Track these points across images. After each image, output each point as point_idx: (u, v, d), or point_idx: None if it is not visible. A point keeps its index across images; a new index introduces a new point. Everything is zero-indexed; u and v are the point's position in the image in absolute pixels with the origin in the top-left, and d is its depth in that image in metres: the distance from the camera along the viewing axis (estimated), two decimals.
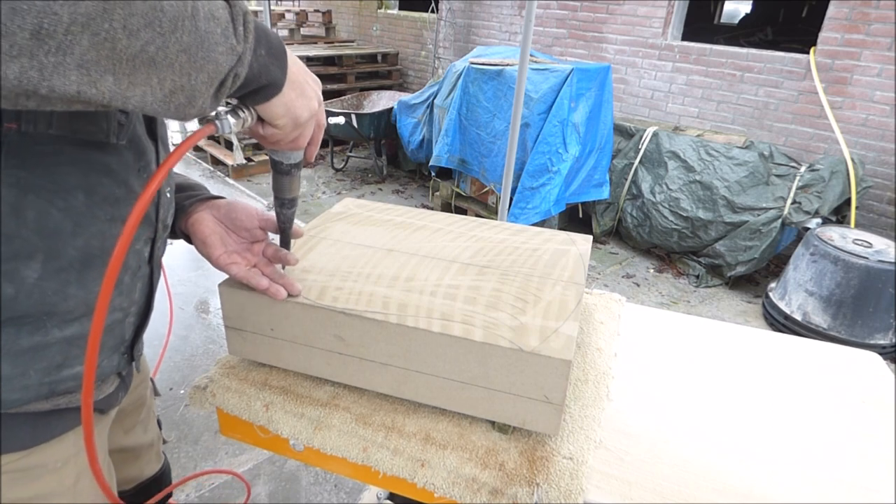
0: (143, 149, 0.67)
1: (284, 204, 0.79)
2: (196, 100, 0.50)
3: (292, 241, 0.86)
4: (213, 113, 0.57)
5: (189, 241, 0.84)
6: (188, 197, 0.84)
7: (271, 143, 0.66)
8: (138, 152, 0.66)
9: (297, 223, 0.85)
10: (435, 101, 4.19)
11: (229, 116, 0.58)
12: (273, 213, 0.83)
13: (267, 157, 0.80)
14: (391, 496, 1.48)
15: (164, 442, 1.10)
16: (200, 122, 0.59)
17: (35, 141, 0.54)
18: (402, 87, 6.28)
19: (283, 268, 0.86)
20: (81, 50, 0.39)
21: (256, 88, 0.57)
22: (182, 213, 0.83)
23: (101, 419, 0.77)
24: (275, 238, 0.86)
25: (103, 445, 0.81)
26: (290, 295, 0.82)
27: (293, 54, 0.62)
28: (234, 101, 0.60)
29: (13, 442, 0.63)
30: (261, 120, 0.62)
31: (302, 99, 0.61)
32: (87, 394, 0.53)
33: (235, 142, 0.67)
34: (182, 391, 2.29)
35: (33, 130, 0.54)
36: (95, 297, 0.55)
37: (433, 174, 4.29)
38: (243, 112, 0.60)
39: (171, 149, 0.65)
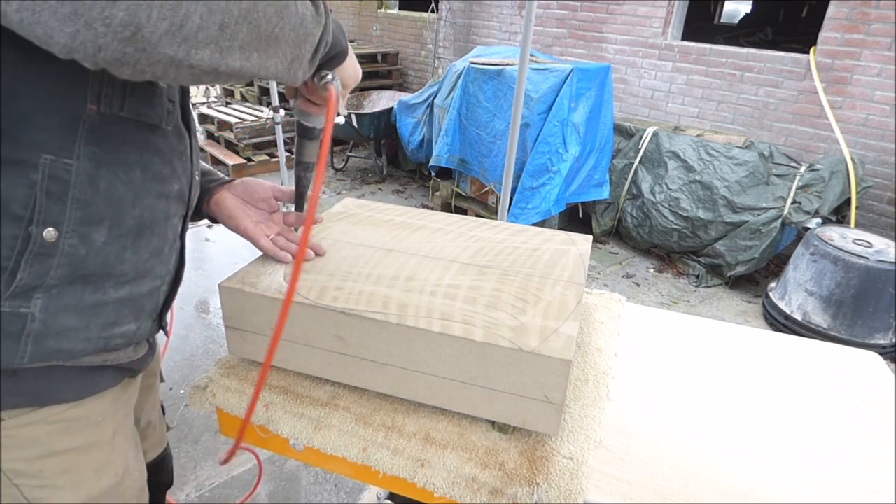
0: (182, 134, 0.76)
1: (308, 167, 0.88)
2: (304, 64, 0.64)
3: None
4: (324, 81, 0.72)
5: (213, 220, 0.95)
6: (210, 181, 0.95)
7: (328, 105, 0.73)
8: (179, 137, 0.75)
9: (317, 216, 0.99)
10: (435, 101, 4.19)
11: (337, 80, 0.72)
12: (280, 186, 0.95)
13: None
14: (391, 496, 1.48)
15: (169, 429, 1.13)
16: (321, 90, 0.73)
17: (107, 121, 0.63)
18: (402, 87, 6.28)
19: (296, 230, 0.97)
20: (243, 36, 0.53)
21: (335, 54, 0.70)
22: (206, 194, 0.93)
23: (131, 383, 0.83)
24: (290, 206, 0.96)
25: (130, 413, 0.85)
26: (317, 255, 0.94)
27: None
28: (326, 73, 0.72)
29: (66, 393, 0.70)
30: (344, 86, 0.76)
31: (352, 67, 0.75)
32: None
33: (342, 109, 0.65)
34: (182, 391, 2.29)
35: (108, 112, 0.62)
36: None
37: (433, 174, 4.29)
38: (332, 79, 0.72)
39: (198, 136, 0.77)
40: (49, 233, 0.61)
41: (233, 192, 0.94)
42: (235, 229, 0.93)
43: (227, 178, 0.98)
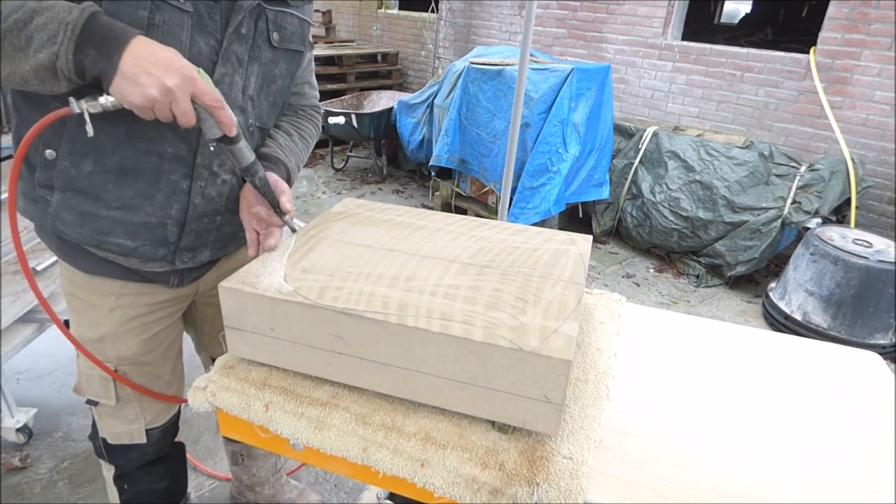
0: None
1: (248, 171, 0.95)
2: (28, 83, 0.77)
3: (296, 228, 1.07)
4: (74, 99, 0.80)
5: None
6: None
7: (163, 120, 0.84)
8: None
9: (298, 223, 1.07)
10: (435, 101, 4.19)
11: (83, 101, 0.80)
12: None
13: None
14: (391, 496, 1.48)
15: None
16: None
17: (93, 85, 0.80)
18: (402, 87, 6.28)
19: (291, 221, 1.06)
20: None
21: (94, 77, 0.77)
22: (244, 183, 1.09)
23: (148, 287, 1.09)
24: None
25: (143, 313, 1.11)
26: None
27: (148, 49, 0.78)
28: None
29: (77, 261, 1.03)
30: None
31: (133, 87, 0.77)
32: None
33: (87, 117, 0.79)
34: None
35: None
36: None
37: (433, 174, 4.29)
38: (104, 97, 0.80)
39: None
40: (49, 153, 0.91)
41: (250, 186, 1.05)
42: (240, 217, 1.07)
43: (267, 168, 1.07)
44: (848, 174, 3.20)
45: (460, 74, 3.79)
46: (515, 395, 0.77)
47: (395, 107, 4.63)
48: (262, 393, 0.88)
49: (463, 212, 4.11)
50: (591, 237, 1.11)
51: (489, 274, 0.93)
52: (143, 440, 1.20)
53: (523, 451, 0.79)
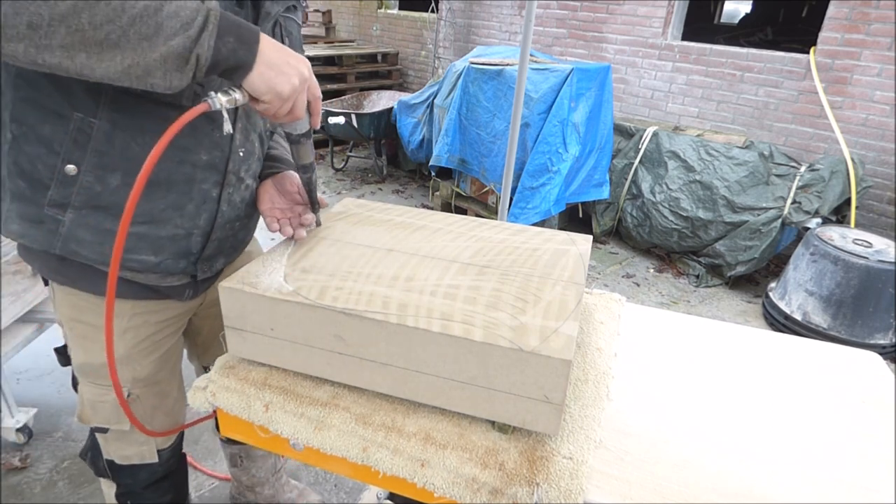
0: (215, 117, 0.87)
1: (300, 169, 0.98)
2: (153, 74, 0.69)
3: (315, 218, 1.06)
4: (204, 98, 0.75)
5: None
6: (268, 167, 1.09)
7: (272, 117, 0.82)
8: (210, 118, 0.87)
9: (321, 195, 1.06)
10: (435, 100, 4.19)
11: (220, 94, 0.74)
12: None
13: None
14: (391, 496, 1.48)
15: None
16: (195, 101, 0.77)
17: (126, 95, 0.79)
18: (402, 87, 6.28)
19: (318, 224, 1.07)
20: (61, 37, 0.62)
21: (228, 68, 0.73)
22: (261, 178, 1.08)
23: (163, 307, 1.05)
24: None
25: (156, 332, 1.07)
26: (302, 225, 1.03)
27: (273, 41, 0.76)
28: (229, 85, 0.76)
29: (83, 283, 0.95)
30: (254, 99, 0.78)
31: (281, 76, 0.76)
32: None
33: (226, 114, 0.78)
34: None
35: (123, 88, 0.74)
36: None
37: (433, 174, 4.28)
38: (234, 92, 0.75)
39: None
40: (70, 168, 0.83)
41: (272, 181, 1.07)
42: (259, 210, 1.07)
43: (280, 168, 1.09)
44: (848, 174, 3.20)
45: (460, 74, 3.79)
46: (515, 395, 0.77)
47: (395, 107, 4.63)
48: (262, 393, 0.88)
49: (463, 212, 4.11)
50: (591, 237, 1.11)
51: (489, 274, 0.93)
52: (155, 459, 1.16)
53: (523, 451, 0.79)
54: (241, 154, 0.97)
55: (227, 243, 1.05)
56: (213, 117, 0.86)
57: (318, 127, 0.91)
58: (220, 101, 0.74)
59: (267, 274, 0.90)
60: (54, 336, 2.53)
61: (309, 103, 0.85)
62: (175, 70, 0.69)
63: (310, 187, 1.01)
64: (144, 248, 0.92)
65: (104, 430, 1.11)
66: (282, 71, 0.76)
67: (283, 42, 0.99)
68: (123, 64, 0.66)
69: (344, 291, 0.85)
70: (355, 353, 0.83)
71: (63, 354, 1.11)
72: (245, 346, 0.90)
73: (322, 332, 0.83)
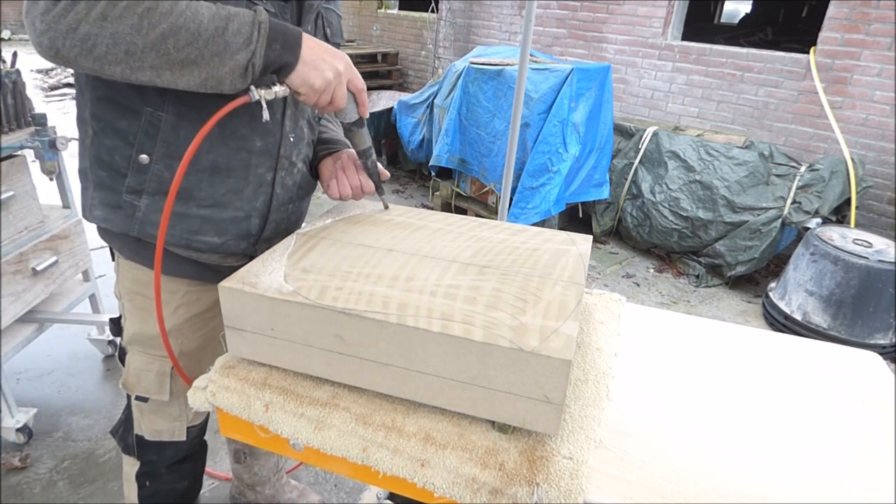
0: (268, 107, 0.93)
1: (363, 154, 1.07)
2: (223, 83, 0.82)
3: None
4: (249, 92, 0.86)
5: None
6: (324, 149, 1.19)
7: (315, 107, 0.93)
8: (258, 107, 0.92)
9: (381, 167, 1.14)
10: (435, 100, 4.19)
11: (261, 89, 0.86)
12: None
13: None
14: (391, 496, 1.48)
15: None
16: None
17: (190, 91, 0.85)
18: (402, 87, 6.28)
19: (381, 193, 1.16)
20: (151, 60, 0.77)
21: (276, 69, 0.85)
22: (316, 160, 1.19)
23: (215, 285, 1.07)
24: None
25: (206, 311, 1.15)
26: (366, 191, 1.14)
27: (315, 41, 0.88)
28: (272, 79, 0.88)
29: (153, 261, 0.95)
30: (294, 91, 0.89)
31: (314, 71, 0.86)
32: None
33: (264, 104, 0.89)
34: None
35: None
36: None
37: (433, 174, 4.28)
38: (276, 86, 0.87)
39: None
40: (143, 158, 0.94)
41: (331, 159, 1.16)
42: (323, 187, 1.17)
43: (337, 147, 1.19)
44: (848, 174, 3.20)
45: (460, 74, 3.79)
46: (515, 395, 0.77)
47: (395, 107, 4.63)
48: (262, 393, 0.88)
49: (463, 212, 4.11)
50: (591, 237, 1.11)
51: (489, 274, 0.93)
52: (183, 437, 1.22)
53: (523, 451, 0.79)
54: (292, 139, 1.06)
55: (282, 225, 1.13)
56: (268, 106, 0.95)
57: (366, 116, 0.99)
58: (260, 93, 0.86)
59: (267, 274, 0.90)
60: (54, 336, 2.53)
61: (354, 94, 0.95)
62: (239, 77, 0.82)
63: (370, 171, 1.10)
64: (209, 230, 1.02)
65: (144, 399, 1.17)
66: (316, 67, 0.86)
67: (325, 31, 1.08)
68: (201, 77, 0.80)
69: (344, 291, 0.85)
70: (355, 353, 0.83)
71: (116, 324, 1.20)
72: (245, 346, 0.90)
73: (322, 332, 0.83)
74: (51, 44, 0.73)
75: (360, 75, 0.94)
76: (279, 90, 0.88)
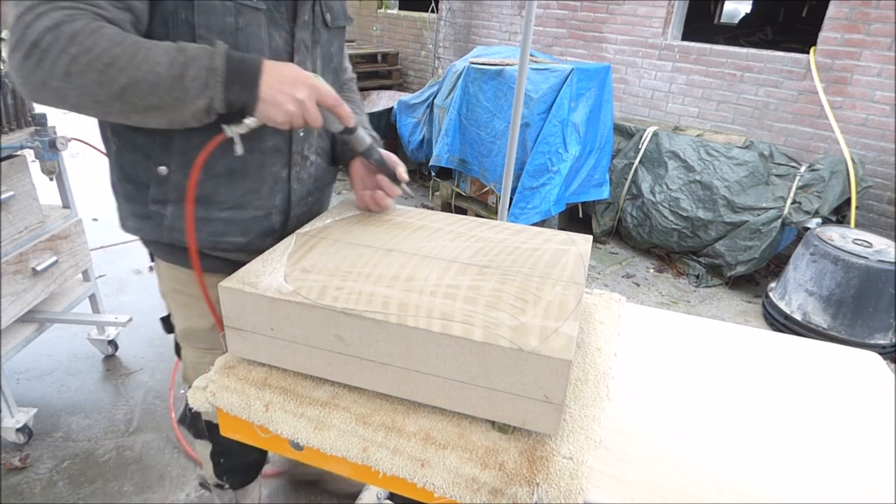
0: None
1: (366, 154, 1.09)
2: (189, 123, 0.88)
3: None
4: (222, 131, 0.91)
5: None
6: (350, 150, 1.19)
7: (296, 129, 1.00)
8: None
9: (406, 189, 1.17)
10: (435, 101, 4.19)
11: (232, 126, 0.90)
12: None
13: None
14: (391, 496, 1.48)
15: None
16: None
17: None
18: (402, 87, 6.28)
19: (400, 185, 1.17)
20: (119, 107, 0.83)
21: (237, 109, 0.88)
22: (346, 159, 1.22)
23: None
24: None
25: None
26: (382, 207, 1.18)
27: (275, 72, 0.88)
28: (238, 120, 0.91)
29: (188, 262, 1.03)
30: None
31: (273, 108, 0.88)
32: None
33: (237, 139, 0.92)
34: (182, 391, 2.29)
35: None
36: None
37: (433, 174, 4.28)
38: (248, 119, 0.90)
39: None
40: (162, 169, 0.99)
41: (360, 161, 1.18)
42: (353, 189, 1.21)
43: (363, 150, 1.18)
44: (848, 174, 3.20)
45: (460, 74, 3.79)
46: (515, 395, 0.77)
47: (395, 107, 4.63)
48: (262, 393, 0.88)
49: (463, 212, 4.11)
50: (591, 237, 1.11)
51: (489, 274, 0.94)
52: None
53: (523, 451, 0.79)
54: (302, 134, 1.09)
55: (304, 218, 1.16)
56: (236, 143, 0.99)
57: (352, 125, 1.01)
58: (233, 129, 0.90)
59: (267, 274, 0.90)
60: (54, 336, 2.53)
61: (331, 109, 0.95)
62: (204, 116, 0.87)
63: (380, 167, 1.11)
64: (233, 231, 1.06)
65: None
66: (275, 102, 0.88)
67: (324, 17, 1.08)
68: (166, 119, 0.86)
69: (344, 291, 0.85)
70: (355, 353, 0.83)
71: (167, 322, 1.27)
72: (245, 346, 0.90)
73: (322, 331, 0.83)
74: (30, 94, 0.81)
75: (329, 91, 0.93)
76: (251, 122, 0.90)
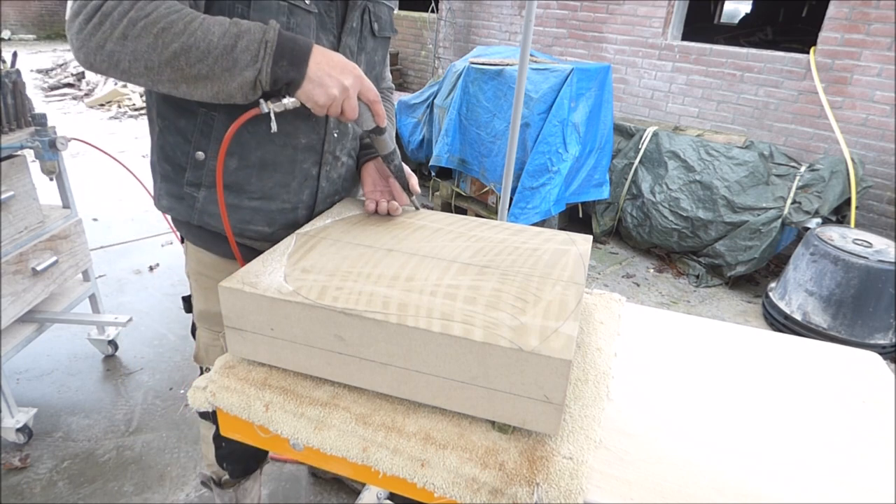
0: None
1: (387, 159, 1.10)
2: (234, 97, 0.88)
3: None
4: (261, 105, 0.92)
5: None
6: (368, 154, 1.24)
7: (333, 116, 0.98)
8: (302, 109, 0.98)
9: (416, 202, 1.20)
10: (435, 100, 4.19)
11: (270, 101, 0.91)
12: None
13: None
14: (391, 496, 1.48)
15: None
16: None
17: None
18: (402, 87, 6.28)
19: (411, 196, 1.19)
20: (168, 75, 0.85)
21: (283, 85, 0.89)
22: (363, 161, 1.25)
23: None
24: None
25: None
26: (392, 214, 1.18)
27: (325, 55, 0.90)
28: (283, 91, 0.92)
29: (214, 247, 1.15)
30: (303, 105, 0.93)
31: (319, 88, 0.90)
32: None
33: (273, 116, 0.95)
34: (182, 391, 2.29)
35: None
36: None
37: (433, 174, 4.28)
38: (286, 98, 0.91)
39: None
40: (199, 154, 1.03)
41: (374, 164, 1.22)
42: (364, 193, 1.23)
43: (382, 153, 1.18)
44: (848, 174, 3.20)
45: (460, 74, 3.79)
46: (515, 395, 0.77)
47: (395, 107, 4.62)
48: (262, 393, 0.88)
49: (463, 212, 4.11)
50: (591, 237, 1.11)
51: (489, 274, 0.93)
52: None
53: (523, 451, 0.79)
54: (336, 135, 1.12)
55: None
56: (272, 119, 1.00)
57: (384, 125, 1.02)
58: (270, 105, 0.91)
59: (267, 274, 0.90)
60: (54, 336, 2.53)
61: (368, 105, 0.97)
62: (249, 91, 0.88)
63: (396, 174, 1.13)
64: (259, 221, 1.10)
65: None
66: (322, 83, 0.89)
67: (371, 26, 1.12)
68: (213, 91, 0.87)
69: (344, 291, 0.85)
70: (355, 353, 0.83)
71: (187, 302, 1.30)
72: (245, 346, 0.90)
73: (322, 331, 0.83)
74: (85, 58, 0.83)
75: (372, 87, 0.96)
76: (289, 102, 0.91)
